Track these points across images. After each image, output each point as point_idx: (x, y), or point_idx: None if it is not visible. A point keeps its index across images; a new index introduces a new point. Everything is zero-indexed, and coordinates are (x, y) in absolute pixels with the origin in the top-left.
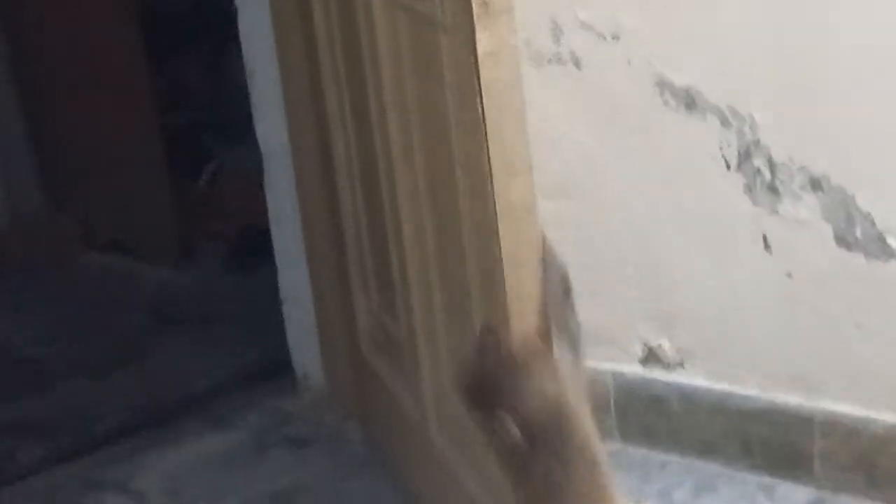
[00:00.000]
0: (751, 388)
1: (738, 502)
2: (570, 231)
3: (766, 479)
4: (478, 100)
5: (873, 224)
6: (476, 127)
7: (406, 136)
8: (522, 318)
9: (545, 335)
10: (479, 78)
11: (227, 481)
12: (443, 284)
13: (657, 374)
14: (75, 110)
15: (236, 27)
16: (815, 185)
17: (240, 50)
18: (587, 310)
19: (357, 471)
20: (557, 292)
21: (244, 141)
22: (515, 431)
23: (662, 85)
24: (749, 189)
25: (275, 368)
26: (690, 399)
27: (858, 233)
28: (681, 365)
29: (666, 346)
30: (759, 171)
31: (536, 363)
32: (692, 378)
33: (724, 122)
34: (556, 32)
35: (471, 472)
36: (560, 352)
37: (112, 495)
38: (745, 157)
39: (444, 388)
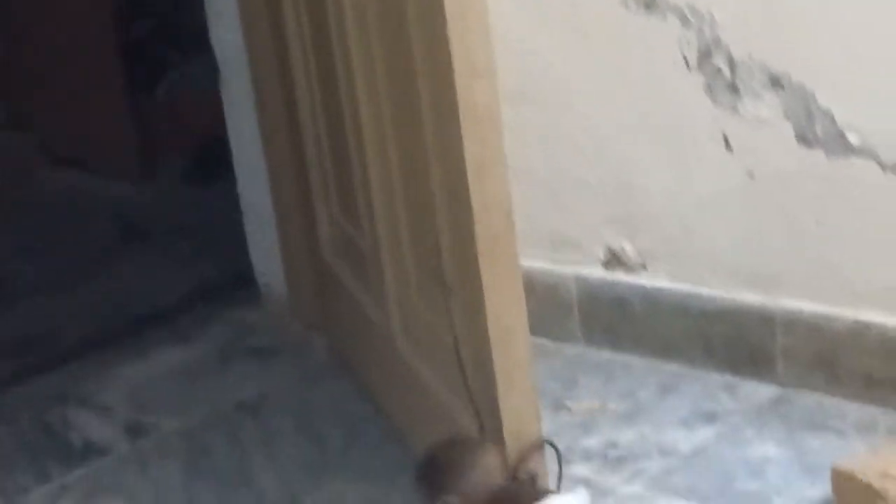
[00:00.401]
0: (713, 289)
1: (702, 401)
2: (531, 136)
3: (729, 378)
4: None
5: (833, 121)
6: (438, 28)
7: (365, 40)
8: (487, 224)
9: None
10: None
11: (193, 393)
12: (406, 191)
13: (620, 276)
14: (31, 28)
15: None
16: (775, 82)
17: None
18: (550, 214)
19: (322, 379)
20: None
21: (202, 51)
22: None
23: None
24: (709, 89)
25: (237, 280)
26: (653, 301)
27: (819, 130)
28: (643, 267)
29: (628, 248)
30: (719, 70)
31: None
32: (655, 280)
33: (684, 22)
34: None
35: (435, 376)
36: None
37: (77, 409)
38: (704, 56)
39: (407, 294)
